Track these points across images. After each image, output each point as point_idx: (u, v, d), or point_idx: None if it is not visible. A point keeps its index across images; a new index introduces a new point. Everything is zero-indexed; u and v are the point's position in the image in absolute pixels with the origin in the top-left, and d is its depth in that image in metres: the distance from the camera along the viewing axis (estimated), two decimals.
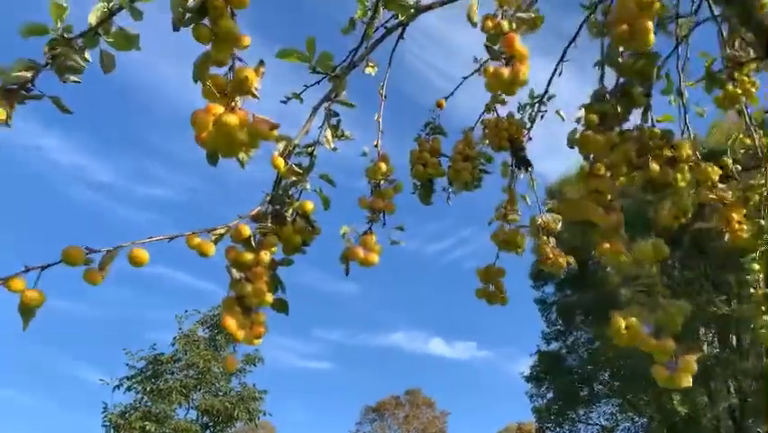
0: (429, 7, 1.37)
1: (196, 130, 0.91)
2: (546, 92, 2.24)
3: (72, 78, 1.04)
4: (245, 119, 0.91)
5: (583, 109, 1.70)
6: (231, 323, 1.20)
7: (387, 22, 1.39)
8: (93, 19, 1.06)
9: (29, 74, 1.03)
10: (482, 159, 1.81)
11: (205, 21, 0.90)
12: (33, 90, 1.06)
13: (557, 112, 2.29)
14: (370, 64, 1.45)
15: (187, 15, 0.87)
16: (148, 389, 11.58)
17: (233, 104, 0.94)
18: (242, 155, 1.04)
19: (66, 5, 1.04)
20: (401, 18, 1.37)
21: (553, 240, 2.10)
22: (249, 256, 1.25)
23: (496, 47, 1.19)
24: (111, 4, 1.04)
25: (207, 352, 12.15)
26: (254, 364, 12.60)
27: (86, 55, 1.08)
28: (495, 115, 1.88)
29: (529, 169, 1.88)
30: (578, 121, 1.65)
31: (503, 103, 1.91)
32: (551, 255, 2.03)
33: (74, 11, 1.09)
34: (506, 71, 1.17)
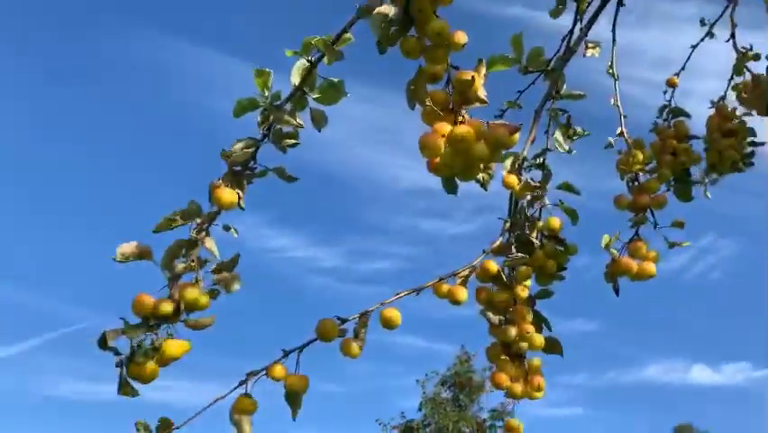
0: None
1: (428, 155, 0.78)
2: None
3: (290, 142, 0.99)
4: (481, 128, 0.76)
5: None
6: (502, 378, 1.02)
7: None
8: (296, 78, 1.01)
9: (250, 151, 1.01)
10: (745, 131, 1.44)
11: (411, 32, 0.78)
12: (256, 167, 1.03)
13: None
14: (590, 45, 1.23)
15: (392, 30, 0.76)
16: None
17: (459, 118, 0.80)
18: (481, 175, 0.88)
19: (269, 70, 1.01)
20: None
21: None
22: (504, 295, 1.08)
23: None
24: (310, 57, 0.99)
25: (454, 413, 12.08)
26: (502, 420, 12.24)
27: (298, 118, 1.04)
28: (749, 75, 1.51)
29: None
30: None
31: (756, 59, 1.54)
32: None
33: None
34: None
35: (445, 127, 0.78)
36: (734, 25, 1.71)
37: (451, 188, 0.87)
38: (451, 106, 0.81)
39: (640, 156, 1.20)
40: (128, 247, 0.96)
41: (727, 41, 1.75)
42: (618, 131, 1.26)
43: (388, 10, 0.77)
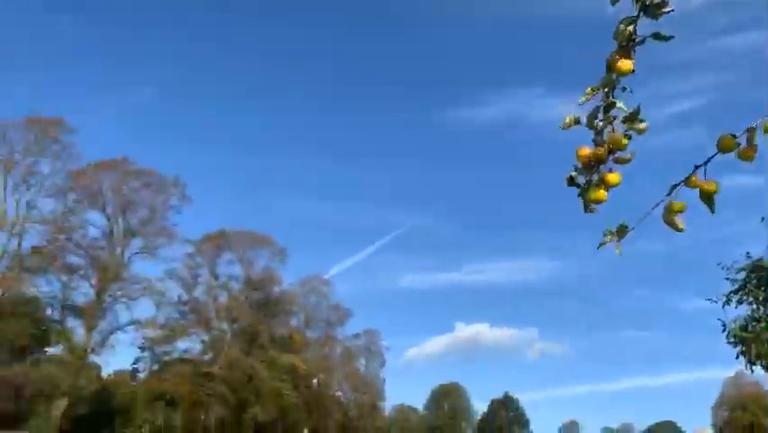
0: None
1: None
2: None
3: (665, 10, 1.33)
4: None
5: None
6: None
7: None
8: None
9: (630, 28, 1.38)
10: None
11: None
12: (636, 38, 1.40)
13: None
14: None
15: None
16: (761, 298, 10.83)
17: None
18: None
19: None
20: None
21: None
22: None
23: None
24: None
25: None
26: None
27: None
28: None
29: None
30: None
31: None
32: None
33: None
34: None
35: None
36: None
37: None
38: None
39: None
40: (568, 118, 1.47)
41: None
42: None
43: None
